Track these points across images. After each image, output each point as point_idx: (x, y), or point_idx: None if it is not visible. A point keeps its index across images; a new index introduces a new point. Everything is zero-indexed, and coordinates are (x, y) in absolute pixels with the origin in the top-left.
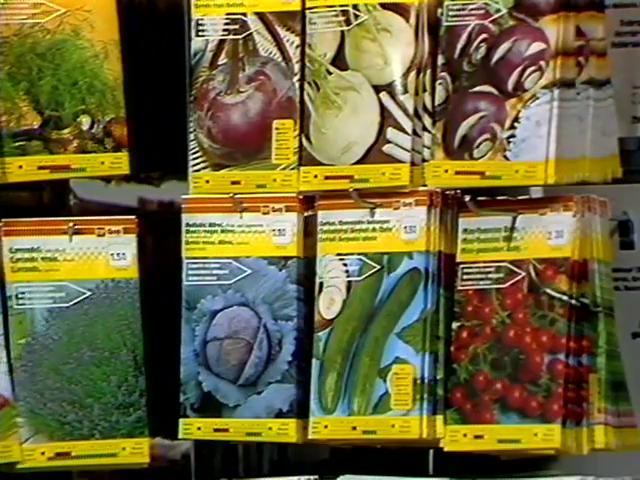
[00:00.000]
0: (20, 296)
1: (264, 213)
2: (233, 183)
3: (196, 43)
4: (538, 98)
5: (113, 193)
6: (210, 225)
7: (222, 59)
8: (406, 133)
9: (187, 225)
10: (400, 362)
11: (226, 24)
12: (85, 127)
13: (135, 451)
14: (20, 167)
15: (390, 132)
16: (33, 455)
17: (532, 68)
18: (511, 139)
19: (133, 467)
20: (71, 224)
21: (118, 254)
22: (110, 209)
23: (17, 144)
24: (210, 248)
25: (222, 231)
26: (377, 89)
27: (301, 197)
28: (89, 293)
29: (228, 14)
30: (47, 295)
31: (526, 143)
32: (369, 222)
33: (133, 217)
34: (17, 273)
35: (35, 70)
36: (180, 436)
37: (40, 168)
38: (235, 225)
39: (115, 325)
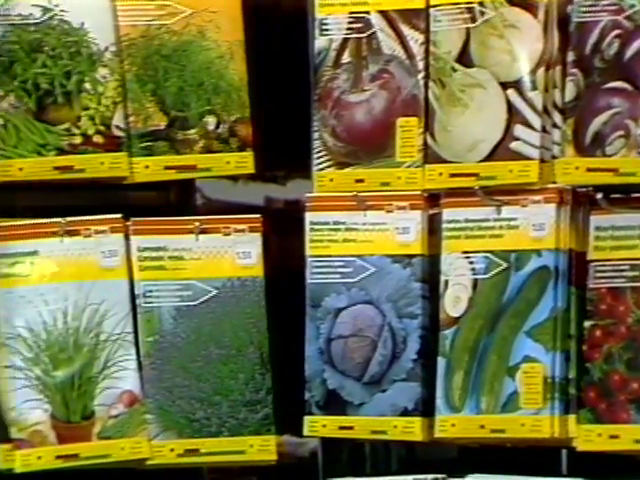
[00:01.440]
0: (148, 294)
1: (388, 211)
2: (357, 181)
3: (320, 42)
4: None
5: (240, 192)
6: (334, 223)
7: (345, 58)
8: (535, 130)
9: (311, 223)
10: (530, 360)
11: (350, 23)
12: (211, 127)
13: (262, 448)
14: (147, 167)
15: (518, 129)
16: (162, 451)
17: None
18: None
19: (260, 464)
20: (197, 223)
21: (244, 252)
22: (236, 208)
23: (144, 144)
24: (334, 246)
25: (346, 229)
26: (504, 86)
27: (426, 195)
28: (215, 291)
29: (351, 13)
30: (174, 294)
31: None
32: (495, 220)
33: (258, 216)
34: (144, 272)
35: (161, 71)
36: (305, 433)
37: (166, 168)
38: (359, 223)
39: (241, 323)
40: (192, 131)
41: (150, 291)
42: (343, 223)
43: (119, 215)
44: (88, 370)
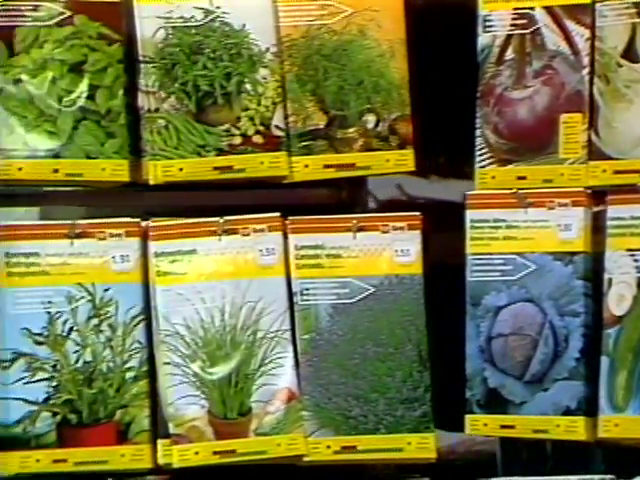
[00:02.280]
0: (305, 292)
1: (549, 208)
2: (519, 178)
3: (483, 39)
4: None
5: (400, 190)
6: (495, 221)
7: (509, 54)
8: None
9: (472, 221)
10: None
11: (513, 19)
12: (370, 125)
13: (421, 446)
14: (306, 166)
15: None
16: (319, 448)
17: None
18: None
19: (419, 462)
20: (355, 221)
21: (402, 250)
22: (399, 205)
23: (303, 144)
24: (495, 244)
25: (507, 227)
26: None
27: (589, 192)
28: (373, 289)
29: (515, 9)
30: (331, 291)
31: None
32: None
33: (417, 213)
34: (302, 270)
35: (321, 71)
36: (467, 432)
37: (326, 167)
38: (520, 220)
39: (399, 321)
40: (351, 130)
41: (307, 289)
42: (504, 220)
43: (277, 214)
44: (245, 367)
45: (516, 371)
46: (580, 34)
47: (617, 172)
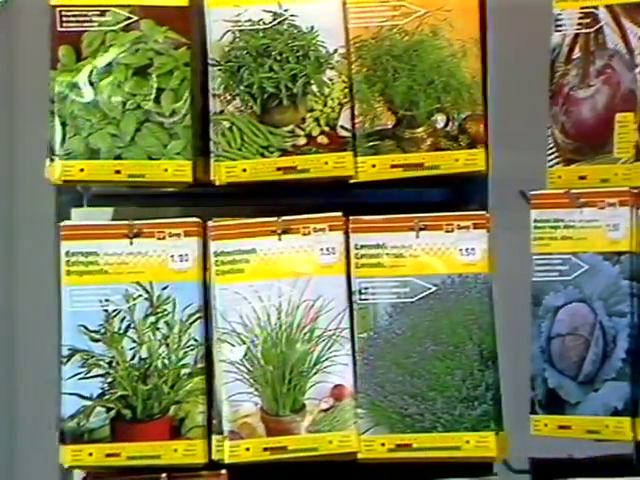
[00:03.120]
0: (364, 291)
1: (600, 208)
2: (580, 178)
3: (555, 38)
4: None
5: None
6: (554, 221)
7: (576, 53)
8: None
9: (535, 221)
10: None
11: (580, 18)
12: (439, 125)
13: (480, 444)
14: (373, 166)
15: None
16: (372, 446)
17: None
18: None
19: (478, 460)
20: (416, 220)
21: (467, 249)
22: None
23: (370, 144)
24: (554, 244)
25: (565, 227)
26: None
27: (635, 191)
28: (434, 288)
29: (582, 8)
30: (391, 290)
31: None
32: None
33: (483, 213)
34: (361, 269)
35: (391, 71)
36: (531, 433)
37: (393, 167)
38: (576, 220)
39: (461, 320)
40: (420, 129)
41: (366, 288)
42: (562, 220)
43: (339, 213)
44: (300, 365)
45: (571, 371)
46: (634, 33)
47: None
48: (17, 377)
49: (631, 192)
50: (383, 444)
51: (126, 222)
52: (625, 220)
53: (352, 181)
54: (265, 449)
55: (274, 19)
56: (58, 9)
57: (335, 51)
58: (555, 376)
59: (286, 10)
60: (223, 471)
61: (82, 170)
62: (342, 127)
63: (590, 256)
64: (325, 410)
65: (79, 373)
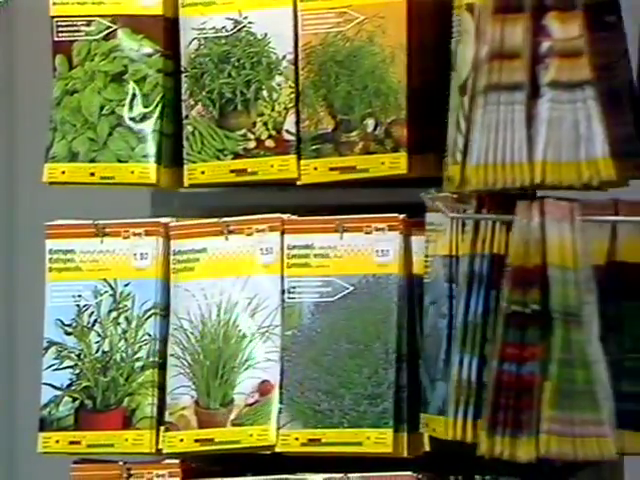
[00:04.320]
0: (292, 290)
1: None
2: None
3: None
4: None
5: None
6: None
7: None
8: None
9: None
10: None
11: None
12: (370, 129)
13: (378, 441)
14: (315, 169)
15: None
16: (288, 440)
17: None
18: None
19: (376, 456)
20: (338, 222)
21: (382, 250)
22: None
23: (314, 147)
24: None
25: None
26: None
27: None
28: (352, 288)
29: None
30: (315, 290)
31: None
32: None
33: (396, 215)
34: (291, 268)
35: (333, 77)
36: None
37: (331, 169)
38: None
39: (373, 319)
40: (354, 133)
41: (294, 287)
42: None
43: (277, 215)
44: (232, 360)
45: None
46: None
47: None
48: (17, 377)
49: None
50: (297, 438)
51: (94, 222)
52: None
53: (299, 183)
54: (196, 440)
55: (234, 27)
56: (55, 19)
57: (284, 57)
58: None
59: (245, 18)
60: (175, 461)
61: (63, 172)
62: (287, 131)
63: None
64: (250, 404)
65: (53, 364)
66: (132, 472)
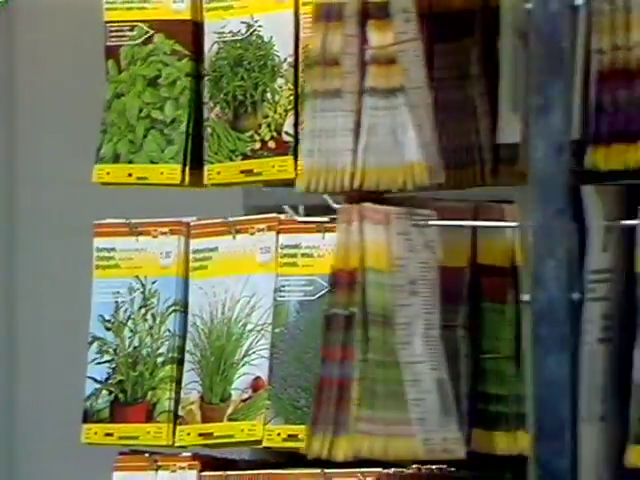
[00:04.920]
0: (281, 289)
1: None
2: None
3: None
4: None
5: None
6: None
7: None
8: None
9: None
10: None
11: None
12: None
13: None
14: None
15: None
16: (272, 435)
17: None
18: None
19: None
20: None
21: None
22: None
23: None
24: None
25: None
26: None
27: None
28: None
29: None
30: (301, 288)
31: None
32: None
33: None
34: (282, 268)
35: None
36: None
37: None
38: None
39: None
40: None
41: (283, 286)
42: None
43: (273, 215)
44: (232, 357)
45: None
46: None
47: None
48: (17, 378)
49: None
50: (279, 434)
51: (130, 221)
52: None
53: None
54: (200, 434)
55: (247, 30)
56: (107, 25)
57: (285, 60)
58: None
59: (256, 21)
60: (187, 454)
61: (108, 173)
62: (286, 132)
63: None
64: (244, 400)
65: (95, 358)
66: (159, 464)
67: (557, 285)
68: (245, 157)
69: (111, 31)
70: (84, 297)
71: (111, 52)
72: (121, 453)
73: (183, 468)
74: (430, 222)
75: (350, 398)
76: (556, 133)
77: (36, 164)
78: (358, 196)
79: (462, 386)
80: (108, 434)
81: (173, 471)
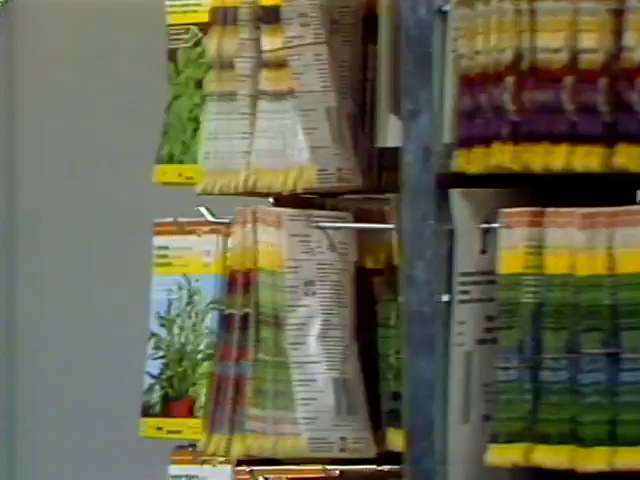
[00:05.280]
0: None
1: None
2: None
3: None
4: None
5: None
6: None
7: None
8: None
9: None
10: None
11: None
12: None
13: None
14: None
15: None
16: None
17: None
18: None
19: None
20: None
21: None
22: None
23: None
24: None
25: None
26: None
27: None
28: None
29: None
30: None
31: None
32: None
33: None
34: None
35: None
36: None
37: None
38: None
39: None
40: None
41: None
42: None
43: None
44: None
45: None
46: None
47: None
48: (18, 377)
49: None
50: None
51: (176, 220)
52: None
53: None
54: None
55: None
56: (168, 28)
57: None
58: None
59: None
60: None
61: (165, 173)
62: None
63: None
64: None
65: (152, 354)
66: (203, 458)
67: (426, 287)
68: None
69: (172, 34)
70: (84, 297)
71: (171, 55)
72: (178, 447)
73: (222, 463)
74: (321, 224)
75: (245, 397)
76: (424, 137)
77: (36, 163)
78: (288, 198)
79: (381, 386)
80: (159, 428)
81: (214, 466)
